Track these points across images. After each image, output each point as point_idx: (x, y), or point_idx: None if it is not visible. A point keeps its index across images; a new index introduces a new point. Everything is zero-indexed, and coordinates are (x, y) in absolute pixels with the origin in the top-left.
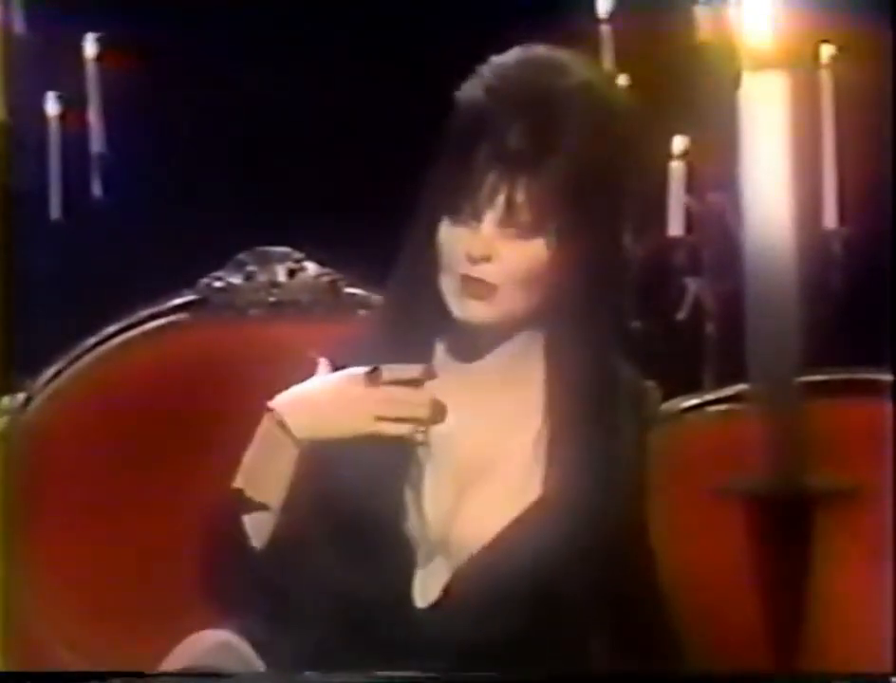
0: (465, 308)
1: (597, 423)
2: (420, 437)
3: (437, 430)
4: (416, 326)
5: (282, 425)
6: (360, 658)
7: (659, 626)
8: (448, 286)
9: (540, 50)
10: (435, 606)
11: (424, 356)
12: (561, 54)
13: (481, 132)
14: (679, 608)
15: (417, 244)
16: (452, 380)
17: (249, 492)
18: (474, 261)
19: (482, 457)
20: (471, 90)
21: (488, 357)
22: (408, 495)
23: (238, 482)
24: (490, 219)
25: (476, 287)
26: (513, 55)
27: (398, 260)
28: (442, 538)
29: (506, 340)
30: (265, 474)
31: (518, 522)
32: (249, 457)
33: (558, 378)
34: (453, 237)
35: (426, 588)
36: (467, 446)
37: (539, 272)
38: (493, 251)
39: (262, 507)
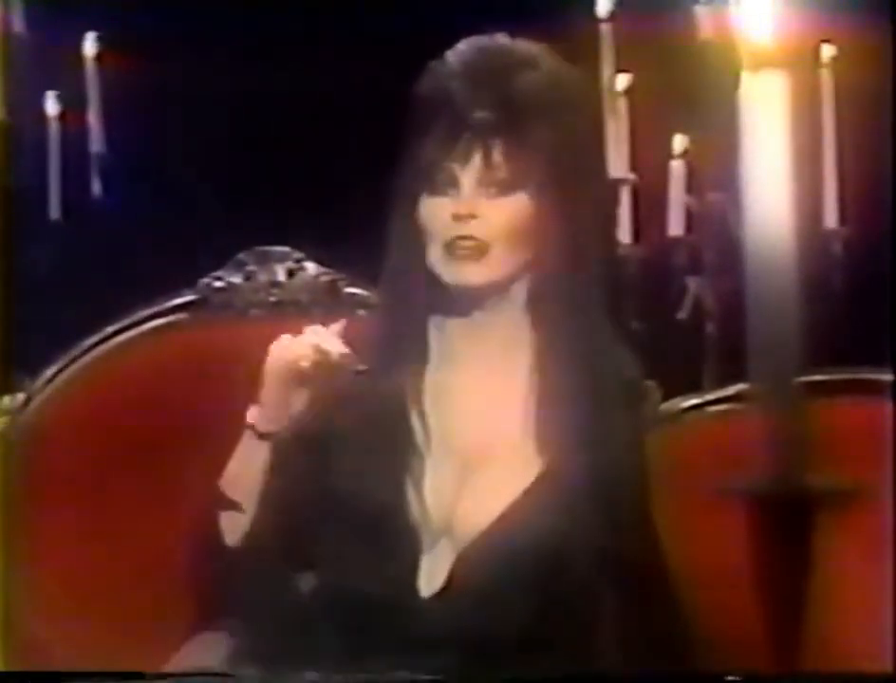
0: (456, 272)
1: (587, 394)
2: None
3: (434, 414)
4: (410, 309)
5: (251, 426)
6: (367, 649)
7: (664, 609)
8: (436, 254)
9: (487, 38)
10: (440, 594)
11: (419, 338)
12: (506, 40)
13: (445, 109)
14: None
15: (399, 229)
16: (450, 349)
17: (228, 492)
18: (459, 219)
19: (480, 440)
20: (429, 80)
21: (481, 318)
22: (410, 483)
23: (222, 483)
24: (468, 180)
25: (465, 247)
26: (462, 45)
27: (385, 250)
28: (445, 525)
29: (497, 303)
30: (240, 475)
31: (518, 504)
32: (231, 462)
33: (545, 348)
34: (434, 207)
35: (431, 576)
36: (464, 430)
37: (525, 228)
38: (476, 210)
39: (236, 505)
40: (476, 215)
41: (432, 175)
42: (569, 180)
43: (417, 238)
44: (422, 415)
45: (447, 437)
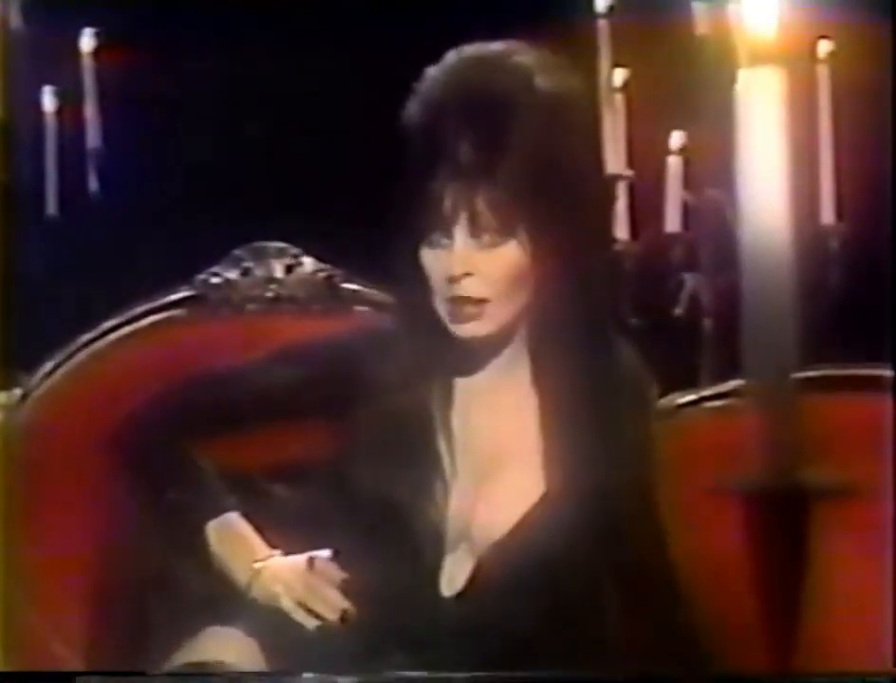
0: (460, 329)
1: (592, 412)
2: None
3: (457, 424)
4: (421, 341)
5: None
6: (389, 647)
7: (672, 610)
8: (441, 308)
9: (474, 49)
10: (461, 595)
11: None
12: (497, 48)
13: (432, 151)
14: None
15: (405, 267)
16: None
17: None
18: (455, 280)
19: (495, 448)
20: (414, 110)
21: (489, 368)
22: (434, 490)
23: None
24: (460, 235)
25: (465, 306)
26: (449, 61)
27: (396, 277)
28: (464, 528)
29: (503, 348)
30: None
31: (536, 509)
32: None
33: (547, 375)
34: (433, 261)
35: (452, 577)
36: (480, 438)
37: (520, 275)
38: (471, 267)
39: None
40: (471, 273)
41: (427, 224)
42: (568, 190)
43: (420, 276)
44: (447, 419)
45: (466, 441)
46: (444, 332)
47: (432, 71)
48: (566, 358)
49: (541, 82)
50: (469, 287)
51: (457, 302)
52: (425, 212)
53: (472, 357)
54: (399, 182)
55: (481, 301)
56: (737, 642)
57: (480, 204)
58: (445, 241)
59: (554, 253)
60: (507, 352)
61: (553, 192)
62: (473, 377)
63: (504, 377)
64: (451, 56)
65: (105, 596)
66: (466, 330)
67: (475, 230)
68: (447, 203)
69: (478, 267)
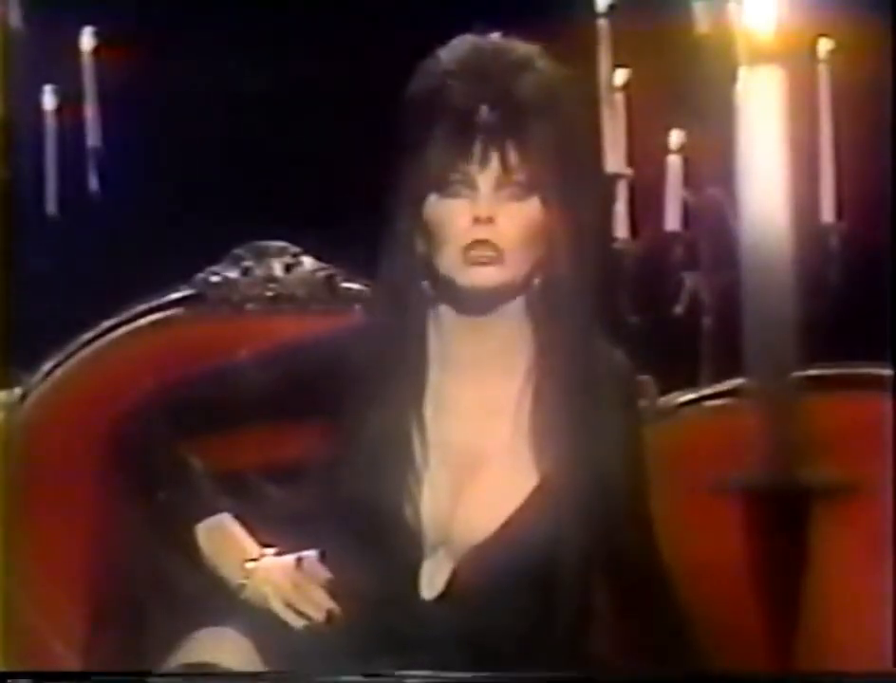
0: (472, 276)
1: (585, 401)
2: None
3: (432, 420)
4: (411, 311)
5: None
6: (369, 650)
7: (663, 610)
8: (450, 259)
9: (476, 38)
10: (441, 597)
11: (419, 342)
12: (500, 39)
13: (447, 110)
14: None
15: (402, 230)
16: (452, 345)
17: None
18: (480, 221)
19: (477, 446)
20: (425, 80)
21: (484, 321)
22: (410, 490)
23: None
24: (486, 183)
25: (482, 251)
26: (456, 44)
27: (385, 250)
28: (444, 531)
29: (502, 305)
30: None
31: (517, 511)
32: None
33: (543, 352)
34: (448, 210)
35: (432, 580)
36: (461, 436)
37: (537, 232)
38: (494, 213)
39: None
40: (494, 219)
41: (443, 177)
42: (571, 179)
43: (422, 239)
44: (421, 420)
45: (445, 443)
46: (439, 292)
47: (440, 50)
48: (560, 340)
49: (541, 65)
50: (490, 233)
51: (475, 247)
52: (440, 166)
53: (472, 311)
54: (404, 143)
55: (498, 250)
56: (736, 642)
57: (512, 154)
58: (467, 191)
59: (568, 221)
60: (503, 325)
61: (570, 162)
62: (458, 366)
63: (496, 356)
64: (456, 41)
65: (104, 596)
66: (478, 277)
67: (502, 181)
68: (476, 153)
69: (501, 216)
